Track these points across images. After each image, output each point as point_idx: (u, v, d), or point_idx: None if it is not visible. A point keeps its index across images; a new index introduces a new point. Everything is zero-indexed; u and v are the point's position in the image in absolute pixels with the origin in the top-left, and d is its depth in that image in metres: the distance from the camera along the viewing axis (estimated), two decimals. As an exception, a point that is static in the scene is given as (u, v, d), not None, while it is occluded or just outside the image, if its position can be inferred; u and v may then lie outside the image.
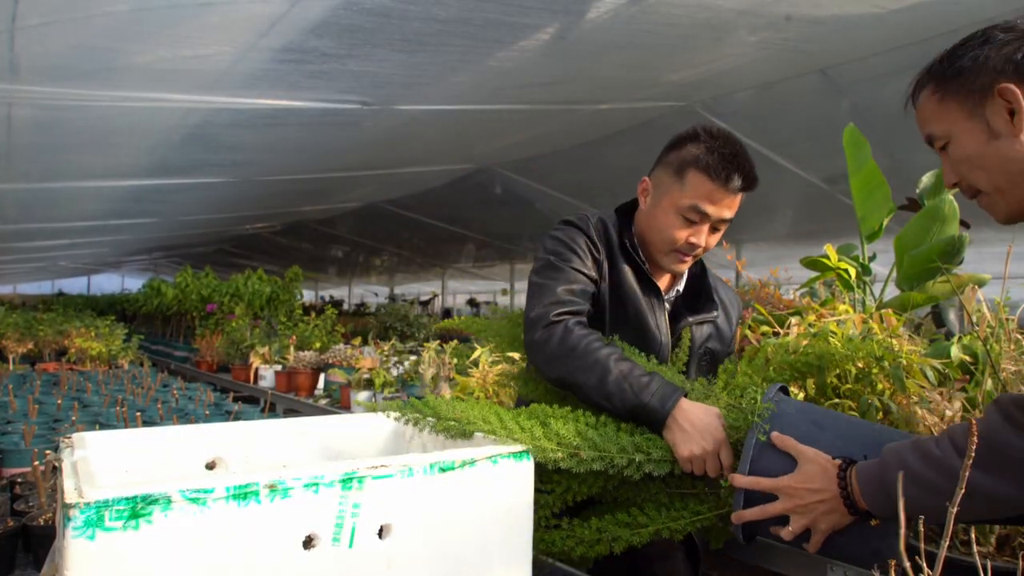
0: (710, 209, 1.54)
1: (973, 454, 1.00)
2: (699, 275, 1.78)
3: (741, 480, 1.24)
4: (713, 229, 1.59)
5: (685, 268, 1.68)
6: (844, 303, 2.12)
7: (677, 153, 1.59)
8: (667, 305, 1.71)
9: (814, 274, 2.56)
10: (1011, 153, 1.03)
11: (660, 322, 1.66)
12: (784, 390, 1.41)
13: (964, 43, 1.10)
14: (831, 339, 1.66)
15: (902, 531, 1.12)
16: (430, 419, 1.32)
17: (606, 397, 1.39)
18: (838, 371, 1.67)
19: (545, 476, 1.37)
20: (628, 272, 1.64)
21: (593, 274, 1.60)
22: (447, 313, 14.87)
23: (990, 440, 0.97)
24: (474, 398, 3.05)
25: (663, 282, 1.72)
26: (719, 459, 1.32)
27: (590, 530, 1.35)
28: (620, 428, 1.37)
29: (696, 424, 1.33)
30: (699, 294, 1.76)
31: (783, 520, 1.21)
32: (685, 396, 1.38)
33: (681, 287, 1.75)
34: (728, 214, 1.57)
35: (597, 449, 1.29)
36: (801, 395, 1.78)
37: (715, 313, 1.73)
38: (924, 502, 1.01)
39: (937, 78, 1.11)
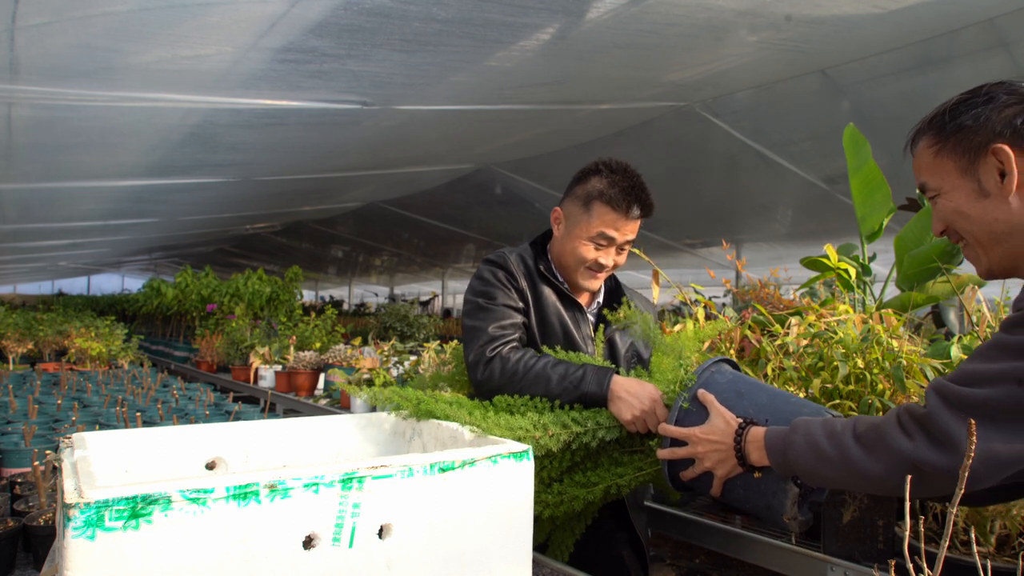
0: (614, 235, 1.79)
1: (865, 438, 1.12)
2: (614, 288, 2.01)
3: (664, 429, 1.46)
4: (619, 250, 1.83)
5: (598, 284, 1.90)
6: (844, 303, 2.12)
7: (583, 187, 1.81)
8: (591, 317, 1.93)
9: (814, 274, 2.56)
10: (996, 213, 1.09)
11: (585, 333, 1.87)
12: (730, 362, 1.58)
13: (968, 99, 1.13)
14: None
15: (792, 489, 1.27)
16: (407, 409, 1.43)
17: (555, 400, 1.60)
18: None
19: None
20: (550, 294, 1.86)
21: (519, 304, 1.81)
22: (447, 313, 14.88)
23: (880, 429, 1.12)
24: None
25: (583, 299, 1.93)
26: (656, 415, 1.53)
27: (553, 494, 1.54)
28: (573, 407, 1.59)
29: (632, 391, 1.56)
30: (616, 305, 1.93)
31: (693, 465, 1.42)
32: (617, 373, 1.61)
33: (601, 300, 1.97)
34: (631, 236, 1.82)
35: (559, 425, 1.50)
36: (802, 394, 1.79)
37: None
38: (813, 466, 1.18)
39: (937, 131, 1.15)
